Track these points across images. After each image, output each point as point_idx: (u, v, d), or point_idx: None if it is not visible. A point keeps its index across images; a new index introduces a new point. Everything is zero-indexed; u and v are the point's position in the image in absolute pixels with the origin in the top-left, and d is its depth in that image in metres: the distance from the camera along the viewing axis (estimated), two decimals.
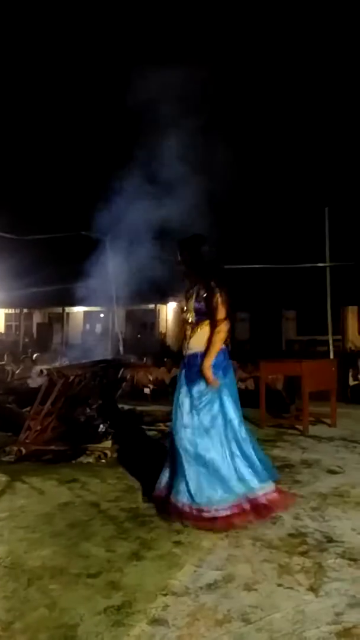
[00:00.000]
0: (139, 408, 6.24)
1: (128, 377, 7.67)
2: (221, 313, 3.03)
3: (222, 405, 2.97)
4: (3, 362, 9.61)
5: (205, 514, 2.80)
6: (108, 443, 4.44)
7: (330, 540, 2.70)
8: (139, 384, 9.06)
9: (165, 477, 3.09)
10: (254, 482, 2.89)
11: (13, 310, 23.42)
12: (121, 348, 12.98)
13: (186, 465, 2.88)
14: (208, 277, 3.10)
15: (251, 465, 2.92)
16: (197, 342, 3.07)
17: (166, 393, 7.75)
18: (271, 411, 6.17)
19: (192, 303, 3.13)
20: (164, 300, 19.12)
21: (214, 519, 2.79)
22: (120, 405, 6.03)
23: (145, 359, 9.89)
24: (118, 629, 1.92)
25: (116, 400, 6.12)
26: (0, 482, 3.72)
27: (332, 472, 4.02)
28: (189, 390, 3.00)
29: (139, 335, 20.45)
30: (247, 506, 2.84)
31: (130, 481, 3.72)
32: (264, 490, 2.92)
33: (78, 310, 22.84)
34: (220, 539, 2.72)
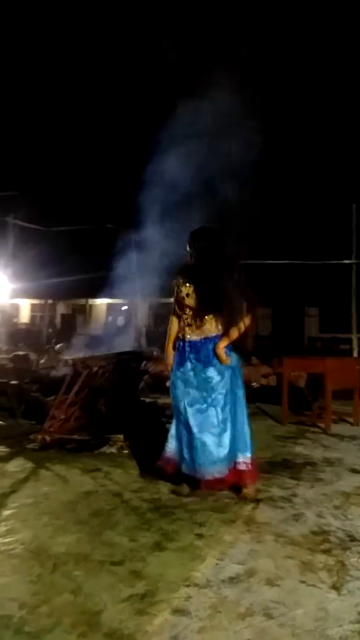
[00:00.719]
0: (160, 401, 6.26)
1: (150, 369, 7.71)
2: (247, 310, 3.32)
3: (231, 383, 3.32)
4: (27, 352, 9.75)
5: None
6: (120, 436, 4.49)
7: (353, 539, 2.68)
8: (161, 377, 9.09)
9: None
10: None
11: (38, 301, 23.73)
12: (143, 341, 13.07)
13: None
14: (230, 274, 3.32)
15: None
16: (206, 329, 3.33)
17: None
18: (293, 408, 6.13)
19: (205, 295, 3.30)
20: None
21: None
22: (142, 398, 6.07)
23: None
24: (141, 617, 1.95)
25: (138, 392, 6.17)
26: (25, 469, 3.79)
27: (354, 471, 3.98)
28: (206, 372, 3.28)
29: (160, 328, 20.51)
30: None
31: (151, 473, 3.74)
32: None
33: (101, 302, 23.05)
34: (242, 534, 2.73)
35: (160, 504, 3.12)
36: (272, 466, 4.05)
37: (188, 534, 2.70)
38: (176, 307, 3.45)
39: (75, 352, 9.51)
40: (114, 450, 4.35)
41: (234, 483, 3.28)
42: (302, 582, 2.24)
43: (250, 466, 3.31)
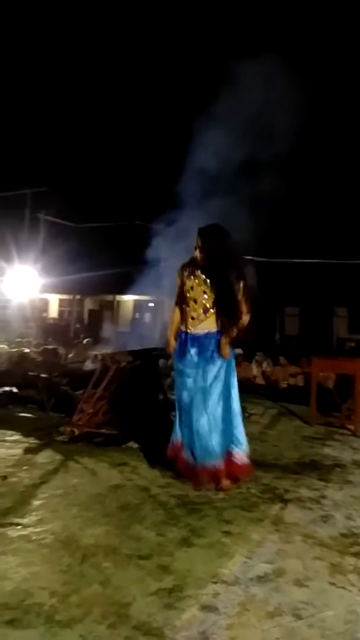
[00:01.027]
0: None
1: None
2: (247, 306, 3.40)
3: (229, 376, 3.45)
4: (56, 346, 9.90)
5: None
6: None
7: None
8: None
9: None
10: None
11: (66, 296, 24.03)
12: None
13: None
14: (236, 272, 3.40)
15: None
16: (210, 323, 3.42)
17: None
18: (321, 409, 6.04)
19: (210, 290, 3.40)
20: None
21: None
22: (169, 395, 6.08)
23: None
24: (169, 612, 1.96)
25: (166, 389, 6.19)
26: (55, 461, 3.85)
27: None
28: (206, 365, 3.37)
29: None
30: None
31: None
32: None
33: (128, 298, 23.18)
34: (270, 533, 2.71)
35: (187, 500, 3.13)
36: (300, 467, 4.01)
37: (215, 530, 2.70)
38: (179, 299, 3.55)
39: (102, 348, 9.61)
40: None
41: (229, 474, 3.35)
42: (332, 584, 2.22)
43: (244, 460, 3.40)
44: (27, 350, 8.37)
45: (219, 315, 3.42)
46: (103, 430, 4.67)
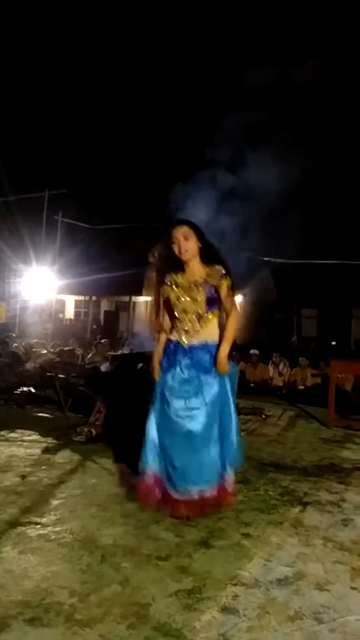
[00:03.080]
0: None
1: None
2: (234, 302, 3.00)
3: (226, 392, 2.92)
4: (73, 347, 9.96)
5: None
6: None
7: None
8: None
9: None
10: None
11: (82, 297, 24.18)
12: None
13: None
14: (223, 264, 2.97)
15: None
16: (207, 333, 2.94)
17: None
18: (339, 412, 5.98)
19: (201, 293, 2.92)
20: None
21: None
22: None
23: None
24: (189, 613, 1.95)
25: None
26: (73, 461, 3.87)
27: None
28: (201, 379, 2.86)
29: None
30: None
31: None
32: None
33: (144, 299, 23.19)
34: (290, 536, 2.69)
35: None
36: (319, 469, 3.97)
37: (234, 532, 2.69)
38: (165, 318, 3.06)
39: (118, 349, 9.64)
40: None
41: (218, 501, 2.88)
42: (353, 588, 2.19)
43: (232, 486, 2.93)
44: (44, 351, 8.43)
45: (218, 319, 2.97)
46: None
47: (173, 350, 2.96)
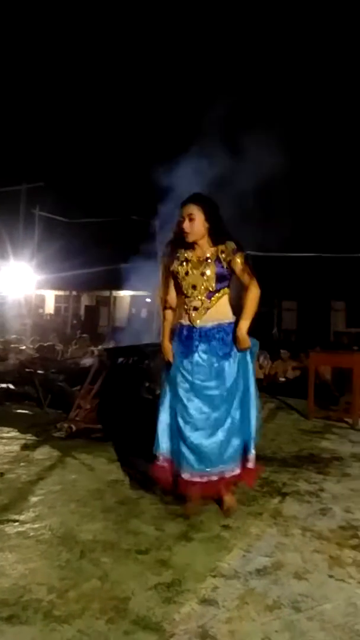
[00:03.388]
0: None
1: None
2: (252, 275, 2.84)
3: (247, 370, 2.89)
4: (53, 342, 9.87)
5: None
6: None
7: None
8: None
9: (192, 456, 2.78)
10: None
11: (62, 292, 23.97)
12: None
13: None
14: (233, 238, 2.88)
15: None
16: (219, 312, 2.86)
17: None
18: (319, 403, 6.05)
19: (211, 267, 2.83)
20: None
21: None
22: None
23: None
24: (169, 606, 1.95)
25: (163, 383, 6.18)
26: (52, 457, 3.84)
27: None
28: (221, 364, 2.80)
29: None
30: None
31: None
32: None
33: (125, 294, 23.15)
34: (269, 527, 2.71)
35: (186, 494, 3.11)
36: (299, 460, 4.01)
37: (214, 524, 2.70)
38: (170, 294, 2.98)
39: (99, 343, 9.59)
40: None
41: (242, 481, 2.94)
42: (331, 576, 2.22)
43: (254, 464, 2.89)
44: (23, 347, 8.33)
45: (229, 295, 2.88)
46: (100, 426, 4.66)
47: (187, 336, 2.87)
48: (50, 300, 25.22)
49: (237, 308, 2.91)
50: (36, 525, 2.62)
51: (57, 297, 25.11)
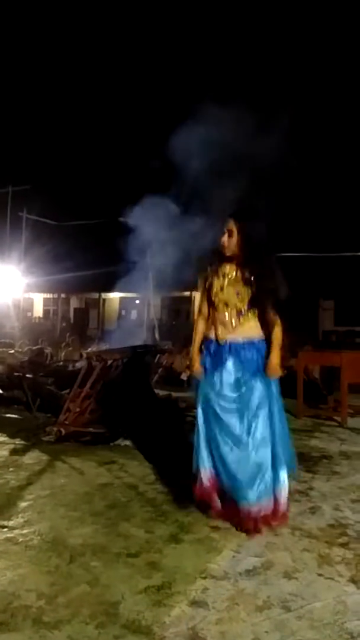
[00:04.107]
0: (174, 394, 6.26)
1: (165, 363, 7.71)
2: (275, 312, 2.76)
3: (275, 393, 2.78)
4: (41, 346, 9.81)
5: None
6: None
7: None
8: (176, 371, 9.09)
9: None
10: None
11: (51, 295, 23.86)
12: (157, 334, 13.08)
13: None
14: (272, 263, 2.79)
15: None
16: (249, 329, 2.78)
17: None
18: (308, 402, 6.08)
19: (247, 290, 2.77)
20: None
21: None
22: (156, 391, 6.07)
23: (183, 345, 9.90)
24: (159, 609, 1.94)
25: (152, 385, 6.17)
26: (42, 461, 3.81)
27: None
28: (250, 383, 2.70)
29: (174, 322, 20.53)
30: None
31: (166, 465, 3.74)
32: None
33: (114, 296, 23.11)
34: None
35: (176, 496, 3.11)
36: None
37: (204, 526, 2.70)
38: (204, 305, 2.90)
39: (88, 346, 9.56)
40: (128, 442, 4.36)
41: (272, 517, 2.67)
42: (320, 575, 2.23)
43: (285, 497, 2.70)
44: (12, 351, 8.28)
45: (260, 317, 2.78)
46: (90, 429, 4.65)
47: (215, 351, 2.80)
48: (38, 303, 25.09)
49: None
50: (25, 531, 2.60)
51: (46, 300, 24.99)
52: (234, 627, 1.85)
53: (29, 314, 22.48)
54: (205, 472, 2.74)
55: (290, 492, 3.08)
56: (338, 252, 14.89)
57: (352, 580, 2.18)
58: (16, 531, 2.60)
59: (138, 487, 3.28)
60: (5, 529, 2.62)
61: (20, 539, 2.51)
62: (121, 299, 23.28)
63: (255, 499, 2.57)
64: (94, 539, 2.53)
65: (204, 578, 2.18)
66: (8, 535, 2.55)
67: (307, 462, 3.95)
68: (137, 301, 20.72)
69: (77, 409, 4.78)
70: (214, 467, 2.72)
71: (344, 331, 16.57)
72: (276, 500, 2.66)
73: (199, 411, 2.81)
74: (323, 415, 5.89)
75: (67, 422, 4.65)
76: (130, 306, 22.46)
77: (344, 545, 2.51)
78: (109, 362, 5.24)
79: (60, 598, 2.01)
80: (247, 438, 2.63)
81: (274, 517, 2.66)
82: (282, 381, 2.91)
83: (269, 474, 2.63)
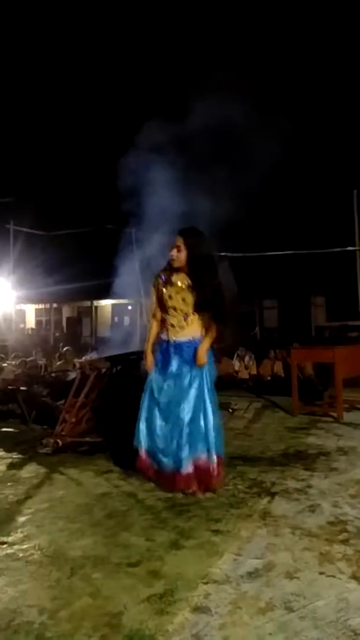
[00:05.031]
0: None
1: None
2: (212, 325, 3.37)
3: (204, 381, 3.34)
4: (34, 357, 9.77)
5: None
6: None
7: None
8: None
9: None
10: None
11: (43, 305, 23.79)
12: None
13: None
14: (214, 273, 3.37)
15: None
16: (193, 330, 3.36)
17: None
18: (304, 399, 6.10)
19: (191, 296, 3.33)
20: None
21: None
22: None
23: None
24: (162, 617, 1.94)
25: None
26: (39, 474, 3.80)
27: None
28: (189, 370, 3.31)
29: None
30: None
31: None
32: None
33: (106, 303, 23.08)
34: (259, 528, 2.72)
35: (175, 502, 3.11)
36: (286, 458, 4.03)
37: (204, 530, 2.70)
38: (157, 310, 3.48)
39: (82, 355, 9.52)
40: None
41: (199, 482, 3.22)
42: (322, 573, 2.23)
43: (215, 467, 3.24)
44: (5, 364, 8.24)
45: (202, 319, 3.35)
46: (87, 439, 4.63)
47: (165, 349, 3.39)
48: (30, 314, 25.00)
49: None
50: (25, 546, 2.59)
51: (38, 311, 24.91)
52: (237, 631, 1.85)
53: (22, 325, 22.38)
54: (141, 450, 3.35)
55: (288, 491, 3.13)
56: (326, 249, 14.94)
57: (354, 577, 2.19)
58: (16, 547, 2.58)
59: (137, 495, 3.27)
60: (5, 545, 2.60)
61: (21, 555, 2.50)
62: (113, 305, 23.25)
63: (182, 466, 3.16)
64: (94, 550, 2.52)
65: (206, 583, 2.18)
66: (8, 551, 2.54)
67: (304, 460, 3.97)
68: (129, 307, 20.70)
69: (73, 419, 4.76)
70: (150, 443, 3.32)
71: (337, 326, 16.61)
72: (200, 467, 3.21)
73: (144, 396, 3.41)
74: (319, 411, 5.90)
75: (63, 433, 4.63)
76: (122, 312, 22.44)
77: (344, 541, 2.52)
78: (103, 370, 5.23)
79: (62, 612, 2.00)
80: (177, 413, 3.23)
81: (208, 479, 3.21)
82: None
83: (194, 445, 3.20)
